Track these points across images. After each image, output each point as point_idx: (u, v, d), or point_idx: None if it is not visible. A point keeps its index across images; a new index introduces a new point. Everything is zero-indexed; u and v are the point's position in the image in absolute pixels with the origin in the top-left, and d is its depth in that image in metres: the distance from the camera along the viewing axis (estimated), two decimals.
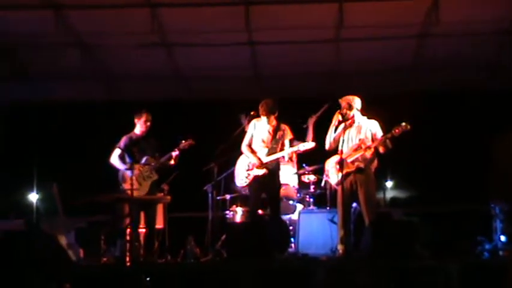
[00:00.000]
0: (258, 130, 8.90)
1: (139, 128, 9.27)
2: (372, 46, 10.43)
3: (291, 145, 8.83)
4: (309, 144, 8.72)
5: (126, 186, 8.96)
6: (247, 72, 11.24)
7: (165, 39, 10.04)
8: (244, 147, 8.93)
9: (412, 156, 11.29)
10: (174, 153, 9.10)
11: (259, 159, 8.76)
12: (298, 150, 8.71)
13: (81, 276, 7.10)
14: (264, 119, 8.78)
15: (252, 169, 8.83)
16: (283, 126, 8.91)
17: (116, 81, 11.70)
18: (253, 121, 8.96)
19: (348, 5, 9.21)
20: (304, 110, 11.37)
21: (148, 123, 9.25)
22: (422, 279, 6.85)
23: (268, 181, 8.81)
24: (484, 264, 7.33)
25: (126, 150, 9.17)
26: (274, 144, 8.82)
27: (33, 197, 12.29)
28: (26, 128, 12.29)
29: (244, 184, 8.89)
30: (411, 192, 13.15)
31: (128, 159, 9.13)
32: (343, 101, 8.65)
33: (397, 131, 8.29)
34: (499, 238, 9.02)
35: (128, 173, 8.84)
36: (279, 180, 9.04)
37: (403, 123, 8.28)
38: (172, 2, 9.22)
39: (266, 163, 8.74)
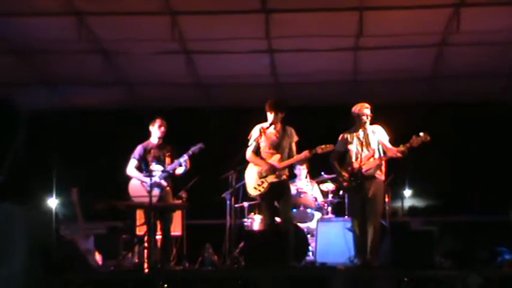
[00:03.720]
0: (263, 136, 8.63)
1: (155, 136, 9.21)
2: (392, 55, 10.41)
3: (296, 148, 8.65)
4: (328, 147, 8.53)
5: (133, 194, 9.00)
6: (266, 79, 11.27)
7: (185, 47, 10.07)
8: (250, 155, 8.65)
9: (430, 165, 11.26)
10: (183, 160, 9.01)
11: (269, 165, 8.57)
12: (316, 152, 8.54)
13: (99, 282, 7.14)
14: (268, 122, 8.60)
15: (265, 176, 8.54)
16: (289, 128, 8.70)
17: (136, 88, 11.76)
18: (257, 127, 8.71)
19: (368, 13, 9.18)
20: (321, 117, 11.41)
21: (163, 129, 9.14)
22: None
23: (282, 188, 8.61)
24: (504, 275, 7.27)
25: (141, 160, 9.17)
26: (284, 148, 8.58)
27: (53, 202, 12.33)
28: (47, 134, 12.35)
29: (258, 193, 8.60)
30: (430, 201, 13.10)
31: (143, 168, 9.11)
32: (358, 110, 8.61)
33: (416, 141, 8.25)
34: None
35: (146, 181, 8.84)
36: (289, 186, 8.90)
37: (422, 134, 8.24)
38: (193, 9, 9.23)
39: (280, 168, 8.57)
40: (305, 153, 8.51)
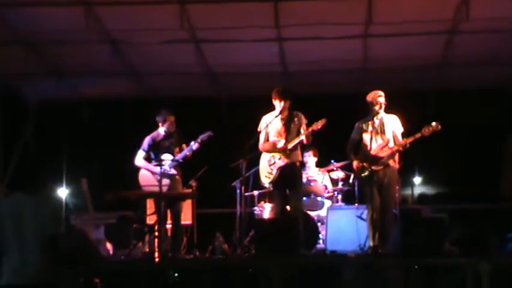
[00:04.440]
0: (271, 125, 8.72)
1: (162, 128, 9.25)
2: (401, 42, 10.38)
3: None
4: (321, 121, 8.49)
5: (143, 183, 9.03)
6: (275, 68, 11.25)
7: (194, 36, 10.05)
8: (260, 145, 8.79)
9: (440, 152, 11.24)
10: (192, 148, 9.04)
11: (275, 144, 8.62)
12: (313, 129, 8.54)
13: (109, 272, 7.15)
14: (275, 111, 8.66)
15: (274, 163, 8.65)
16: (296, 113, 8.72)
17: (145, 77, 11.76)
18: (264, 117, 8.80)
19: (377, 1, 9.15)
20: (331, 106, 11.39)
21: (169, 124, 9.17)
22: (452, 277, 6.82)
23: (291, 175, 8.65)
24: None
25: (150, 151, 9.19)
26: (291, 134, 8.62)
27: (63, 192, 12.37)
28: (56, 124, 12.38)
29: (269, 180, 8.73)
30: (440, 188, 13.09)
31: (153, 157, 9.14)
32: (371, 98, 8.62)
33: (427, 130, 8.25)
34: None
35: (155, 169, 8.87)
36: (301, 174, 8.96)
37: (434, 123, 8.24)
38: None
39: (286, 149, 8.55)
40: (302, 134, 8.55)
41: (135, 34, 10.03)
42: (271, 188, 8.91)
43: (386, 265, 7.11)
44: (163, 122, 9.18)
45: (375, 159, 8.50)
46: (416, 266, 6.92)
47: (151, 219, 9.29)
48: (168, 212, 8.95)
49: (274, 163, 8.66)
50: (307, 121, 8.67)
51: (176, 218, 9.02)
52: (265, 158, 8.78)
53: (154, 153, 9.13)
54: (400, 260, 7.19)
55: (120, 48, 10.46)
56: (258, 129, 8.79)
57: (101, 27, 9.63)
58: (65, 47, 10.42)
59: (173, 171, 8.98)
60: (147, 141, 9.20)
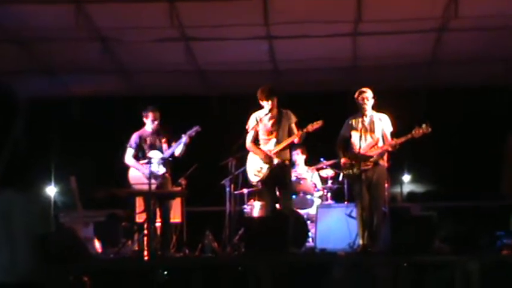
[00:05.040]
0: (261, 123, 8.69)
1: (149, 125, 9.26)
2: (390, 40, 10.38)
3: (298, 128, 8.63)
4: (317, 123, 8.50)
5: (132, 182, 9.01)
6: (265, 66, 11.25)
7: (184, 34, 10.03)
8: (248, 144, 8.74)
9: (429, 150, 11.26)
10: (180, 144, 9.03)
11: (265, 153, 8.59)
12: (308, 130, 8.54)
13: (99, 270, 7.14)
14: (264, 109, 8.64)
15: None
16: (285, 111, 8.71)
17: (135, 75, 11.73)
18: (253, 115, 8.77)
19: None
20: (321, 104, 11.41)
21: (156, 122, 9.19)
22: (441, 275, 6.83)
23: (282, 172, 8.64)
24: (503, 260, 7.28)
25: (137, 148, 9.18)
26: (282, 132, 8.61)
27: (52, 190, 12.34)
28: (45, 122, 12.34)
29: (259, 179, 8.70)
30: (429, 186, 13.12)
31: (140, 155, 9.13)
32: (357, 95, 8.63)
33: (417, 132, 8.28)
34: None
35: (144, 169, 8.85)
36: (290, 173, 8.95)
37: (424, 126, 8.26)
38: None
39: (276, 153, 8.54)
40: (296, 135, 8.54)
41: (125, 32, 10.01)
42: (260, 186, 8.91)
43: (376, 263, 7.11)
44: (149, 118, 9.17)
45: (364, 158, 8.50)
46: (405, 264, 6.92)
47: (140, 218, 9.28)
48: (158, 210, 8.94)
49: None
50: (298, 119, 8.67)
51: (165, 216, 9.01)
52: (254, 157, 8.76)
53: (142, 151, 9.12)
54: (390, 258, 7.21)
55: (110, 46, 10.42)
56: (247, 127, 8.78)
57: (91, 25, 9.61)
58: (55, 45, 10.38)
59: (162, 169, 8.97)
60: (134, 138, 9.20)
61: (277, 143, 8.58)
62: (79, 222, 9.55)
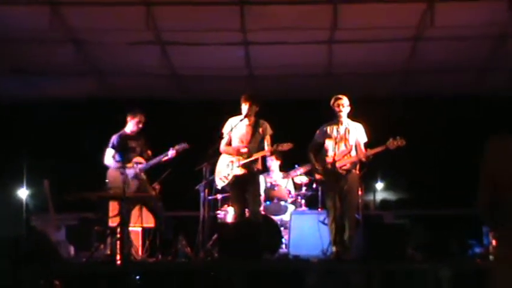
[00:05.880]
0: (235, 129, 8.71)
1: (130, 127, 9.26)
2: (366, 48, 10.43)
3: (271, 142, 8.66)
4: (287, 145, 8.51)
5: (111, 184, 8.97)
6: (241, 72, 11.25)
7: (160, 38, 10.01)
8: (222, 147, 8.76)
9: (403, 159, 11.31)
10: (164, 157, 9.10)
11: (237, 148, 8.64)
12: (276, 149, 8.57)
13: (70, 273, 7.08)
14: (242, 115, 8.65)
15: (232, 169, 8.66)
16: (262, 122, 8.73)
17: (109, 78, 11.68)
18: (229, 120, 8.79)
19: (343, 7, 9.19)
20: (296, 111, 11.44)
21: (141, 125, 9.26)
22: (414, 282, 6.86)
23: (248, 181, 8.66)
24: (475, 268, 7.32)
25: (117, 149, 9.17)
26: (254, 143, 8.65)
27: (23, 193, 12.23)
28: (17, 123, 12.25)
29: (224, 184, 8.77)
30: (401, 194, 13.18)
31: (118, 158, 9.11)
32: (332, 102, 8.64)
33: (391, 144, 8.30)
34: (489, 242, 9.02)
35: (119, 171, 8.82)
36: (258, 178, 8.95)
37: (398, 138, 8.29)
38: (168, 0, 9.20)
39: (247, 161, 8.58)
40: (265, 151, 8.64)
41: (101, 34, 9.96)
42: (229, 191, 8.97)
43: (349, 270, 7.12)
44: (135, 120, 9.21)
45: (336, 166, 8.50)
46: (378, 271, 6.94)
47: (113, 222, 9.22)
48: (133, 214, 8.94)
49: (232, 169, 8.68)
50: (272, 125, 8.69)
51: (158, 217, 9.09)
52: (223, 161, 8.78)
53: (120, 153, 9.11)
54: (362, 265, 7.22)
55: (84, 48, 10.37)
56: (222, 132, 8.78)
57: (65, 27, 9.55)
58: (28, 46, 10.30)
59: (143, 175, 9.02)
60: (114, 138, 9.23)
61: (248, 156, 8.61)
62: (51, 226, 9.45)
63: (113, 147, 9.18)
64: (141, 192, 9.05)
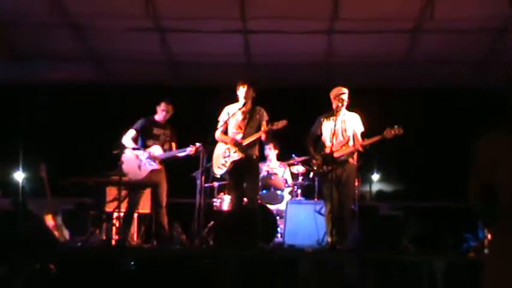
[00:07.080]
0: (232, 117, 8.70)
1: (158, 115, 9.25)
2: (366, 39, 10.42)
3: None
4: (281, 122, 8.44)
5: (124, 166, 8.96)
6: (239, 59, 11.23)
7: (159, 24, 9.99)
8: (218, 134, 8.74)
9: (399, 150, 11.32)
10: (183, 153, 9.05)
11: (232, 139, 8.62)
12: (271, 128, 8.55)
13: (65, 258, 7.09)
14: (238, 103, 8.66)
15: (228, 155, 8.64)
16: (259, 108, 8.73)
17: (107, 63, 11.66)
18: (226, 108, 8.79)
19: None
20: (293, 99, 11.42)
21: (165, 114, 9.19)
22: (408, 274, 6.88)
23: (247, 167, 8.65)
24: (469, 261, 7.34)
25: (139, 132, 9.14)
26: (250, 128, 8.63)
27: (19, 175, 12.23)
28: (14, 107, 12.24)
29: (222, 172, 8.76)
30: (398, 185, 13.19)
31: (139, 143, 9.09)
32: (334, 94, 8.64)
33: (389, 133, 8.29)
34: (484, 235, 9.04)
35: (130, 155, 8.83)
36: (257, 166, 8.96)
37: (396, 127, 8.28)
38: None
39: (242, 145, 8.55)
40: (262, 131, 8.53)
41: (99, 20, 9.93)
42: (227, 179, 8.95)
43: (344, 261, 7.13)
44: (158, 107, 9.21)
45: (334, 156, 8.50)
46: (372, 262, 6.96)
47: (110, 207, 9.23)
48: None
49: (228, 155, 8.65)
50: (269, 113, 8.68)
51: (158, 205, 9.04)
52: (220, 149, 8.76)
53: (142, 139, 9.09)
54: (357, 256, 7.23)
55: (83, 33, 10.35)
56: (218, 119, 8.78)
57: (64, 11, 9.52)
58: (26, 30, 10.27)
59: (155, 165, 8.98)
60: (140, 122, 9.18)
61: (243, 138, 8.60)
62: (48, 210, 9.44)
63: (136, 129, 9.14)
64: (153, 180, 8.99)
